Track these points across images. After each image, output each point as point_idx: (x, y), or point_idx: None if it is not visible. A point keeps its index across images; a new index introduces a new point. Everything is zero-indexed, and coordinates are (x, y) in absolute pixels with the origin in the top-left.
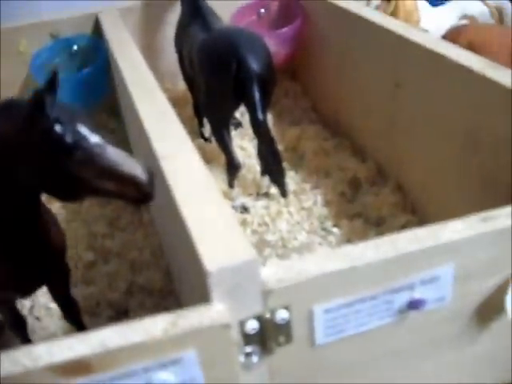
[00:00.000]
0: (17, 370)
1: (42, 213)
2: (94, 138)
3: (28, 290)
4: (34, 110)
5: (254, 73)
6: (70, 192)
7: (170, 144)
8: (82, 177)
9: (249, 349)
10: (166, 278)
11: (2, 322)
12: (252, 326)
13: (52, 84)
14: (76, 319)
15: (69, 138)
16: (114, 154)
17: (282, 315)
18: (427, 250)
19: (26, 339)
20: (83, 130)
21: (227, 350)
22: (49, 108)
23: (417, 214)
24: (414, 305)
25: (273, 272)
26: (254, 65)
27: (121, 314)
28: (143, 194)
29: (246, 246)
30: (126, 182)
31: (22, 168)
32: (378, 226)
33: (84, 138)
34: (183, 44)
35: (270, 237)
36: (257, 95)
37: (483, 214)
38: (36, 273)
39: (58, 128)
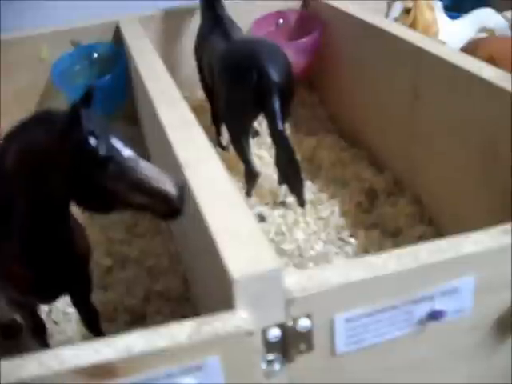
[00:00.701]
0: (43, 372)
1: (70, 221)
2: (127, 152)
3: (50, 297)
4: (70, 122)
5: (275, 83)
6: (100, 204)
7: (193, 152)
8: (113, 189)
9: (271, 356)
10: (183, 284)
11: (20, 325)
12: (274, 333)
13: (88, 97)
14: (95, 327)
15: (102, 151)
16: (146, 168)
17: (303, 323)
18: (448, 262)
19: (44, 344)
20: (116, 143)
21: (250, 357)
22: (84, 121)
23: (434, 225)
24: (434, 316)
25: (296, 281)
26: (275, 75)
27: (138, 320)
28: (173, 209)
29: (271, 254)
30: (156, 196)
31: (55, 178)
32: (394, 236)
33: (117, 151)
34: (203, 53)
35: (286, 246)
36: (277, 105)
37: (504, 227)
38: (59, 280)
39: (92, 141)
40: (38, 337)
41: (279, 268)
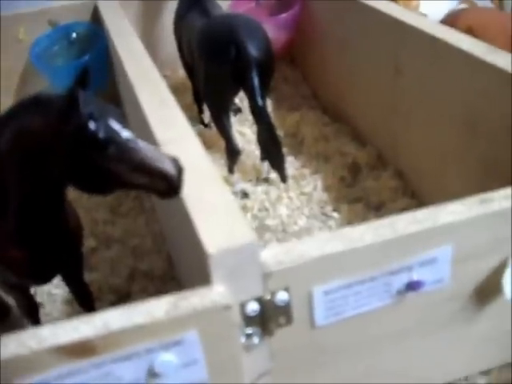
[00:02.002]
0: (22, 352)
1: (64, 201)
2: (126, 133)
3: (44, 278)
4: (67, 106)
5: (253, 58)
6: (100, 185)
7: (170, 130)
8: (113, 171)
9: (249, 330)
10: (168, 263)
11: (8, 306)
12: (252, 307)
13: (83, 80)
14: (89, 305)
15: (102, 134)
16: (145, 149)
17: (281, 297)
18: (425, 232)
19: (37, 323)
20: (115, 124)
21: (228, 331)
22: (82, 103)
23: (417, 198)
24: (412, 286)
25: (272, 254)
26: (253, 50)
27: (123, 299)
28: (172, 187)
29: (246, 228)
30: (156, 175)
31: (52, 161)
32: (377, 210)
33: (116, 132)
34: (182, 31)
35: (270, 222)
36: (256, 81)
37: (481, 196)
38: (53, 260)
39: (91, 124)
40: (32, 317)
41: (255, 242)
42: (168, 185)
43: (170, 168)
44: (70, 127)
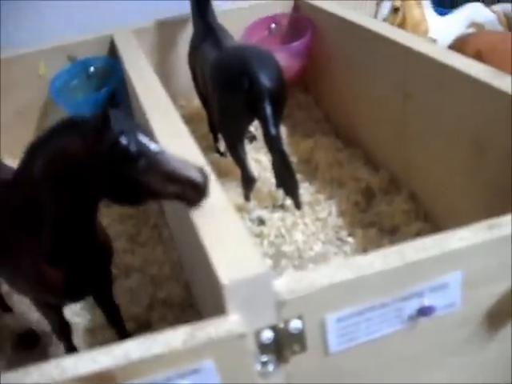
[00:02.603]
0: (45, 381)
1: (97, 219)
2: (154, 146)
3: (78, 296)
4: (100, 124)
5: (266, 88)
6: (132, 197)
7: None
8: (145, 182)
9: (265, 358)
10: (186, 291)
11: (38, 334)
12: (267, 335)
13: (113, 100)
14: (118, 322)
15: (133, 148)
16: (173, 159)
17: (295, 325)
18: (434, 259)
19: (70, 345)
20: (144, 139)
21: (244, 360)
22: (113, 121)
23: (430, 222)
24: (423, 312)
25: (285, 283)
26: (266, 81)
27: (143, 327)
28: (200, 194)
29: (259, 258)
30: (185, 183)
31: (88, 178)
32: (392, 234)
33: (145, 146)
34: (196, 62)
35: (286, 248)
36: (269, 110)
37: (489, 222)
38: (86, 278)
39: (123, 139)
40: (65, 338)
41: (268, 271)
42: (197, 191)
43: (197, 176)
44: (104, 144)
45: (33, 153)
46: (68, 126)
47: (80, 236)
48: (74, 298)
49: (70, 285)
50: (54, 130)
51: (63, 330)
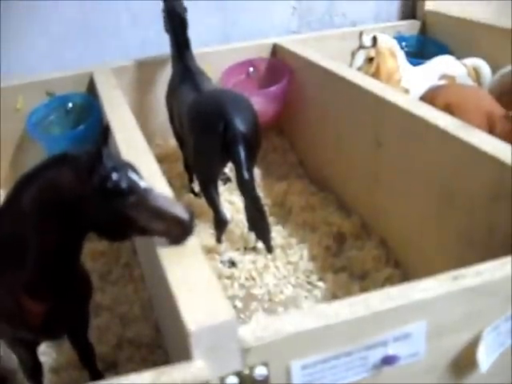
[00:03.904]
0: None
1: (80, 256)
2: (143, 183)
3: (55, 332)
4: (93, 160)
5: (240, 133)
6: (119, 232)
7: None
8: (133, 217)
9: None
10: (155, 331)
11: (3, 375)
12: (232, 381)
13: (105, 137)
14: (91, 364)
15: (124, 184)
16: (161, 197)
17: (260, 371)
18: (399, 308)
19: None
20: (134, 176)
21: None
22: (105, 158)
23: (400, 268)
24: (387, 361)
25: (251, 330)
26: (240, 126)
27: (110, 367)
28: (186, 231)
29: (226, 306)
30: (172, 221)
31: (77, 212)
32: (362, 279)
33: (135, 183)
34: (173, 103)
35: (257, 291)
36: (242, 155)
37: (453, 273)
38: (66, 314)
39: (114, 175)
40: (35, 379)
41: (233, 319)
42: (182, 229)
43: (183, 214)
44: (96, 178)
45: (23, 184)
46: (61, 160)
47: (63, 270)
48: (52, 334)
49: (50, 319)
50: (47, 163)
51: (34, 371)
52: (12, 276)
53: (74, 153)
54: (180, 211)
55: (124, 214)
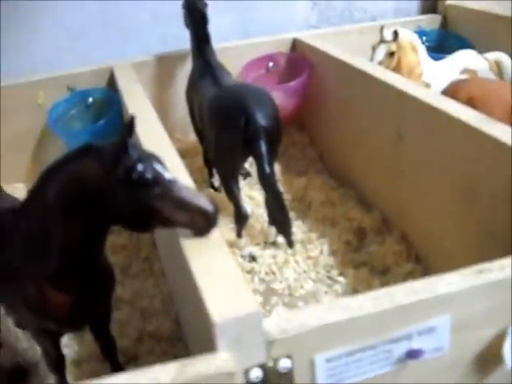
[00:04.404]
0: None
1: (105, 247)
2: (168, 174)
3: (79, 323)
4: (118, 151)
5: (262, 127)
6: (144, 223)
7: None
8: (158, 208)
9: None
10: (175, 325)
11: (26, 369)
12: (256, 374)
13: (130, 128)
14: (113, 355)
15: (149, 175)
16: (185, 188)
17: (284, 364)
18: (423, 302)
19: (63, 378)
20: (158, 167)
21: None
22: (130, 149)
23: (421, 263)
24: (412, 354)
25: (275, 323)
26: (262, 120)
27: (130, 360)
28: (210, 223)
29: (251, 297)
30: (196, 212)
31: (104, 202)
32: (382, 274)
33: (160, 174)
34: (194, 98)
35: (277, 285)
36: (264, 149)
37: (478, 267)
38: (90, 305)
39: (139, 166)
40: (58, 371)
41: (258, 311)
42: (206, 220)
43: (207, 205)
44: (121, 169)
45: (48, 177)
46: (86, 151)
47: (87, 262)
48: (76, 325)
49: (74, 310)
50: (71, 155)
51: (57, 363)
52: (37, 267)
53: (99, 144)
54: (204, 203)
55: (149, 205)
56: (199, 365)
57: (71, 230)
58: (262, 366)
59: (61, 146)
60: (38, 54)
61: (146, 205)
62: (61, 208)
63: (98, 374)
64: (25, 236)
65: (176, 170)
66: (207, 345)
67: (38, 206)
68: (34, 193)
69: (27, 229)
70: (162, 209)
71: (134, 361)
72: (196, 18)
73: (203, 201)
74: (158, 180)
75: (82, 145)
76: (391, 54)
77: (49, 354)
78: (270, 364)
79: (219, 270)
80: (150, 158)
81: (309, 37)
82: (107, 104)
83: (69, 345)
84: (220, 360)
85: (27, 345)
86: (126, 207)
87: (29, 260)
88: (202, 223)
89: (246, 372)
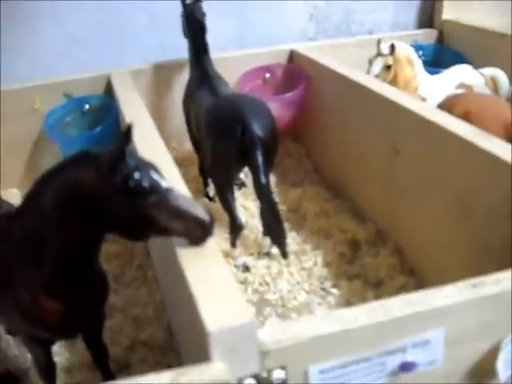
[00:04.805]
0: None
1: (99, 255)
2: (164, 183)
3: (71, 331)
4: (115, 159)
5: (258, 138)
6: (139, 231)
7: None
8: (154, 217)
9: None
10: (168, 333)
11: (16, 376)
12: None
13: (128, 136)
14: (105, 364)
15: (146, 183)
16: (181, 197)
17: (278, 375)
18: (418, 315)
19: None
20: (156, 176)
21: None
22: (128, 157)
23: (414, 276)
24: (405, 367)
25: (270, 333)
26: (258, 130)
27: (122, 368)
28: (206, 232)
29: (245, 308)
30: (192, 221)
31: (100, 209)
32: (376, 287)
33: (157, 182)
34: (191, 107)
35: (270, 296)
36: (260, 159)
37: (473, 280)
38: (83, 313)
39: (136, 174)
40: (48, 379)
41: (253, 322)
42: (202, 229)
43: (204, 214)
44: (118, 177)
45: (44, 183)
46: (83, 159)
47: (82, 269)
48: (68, 333)
49: (67, 318)
50: (68, 162)
51: (48, 370)
52: (30, 274)
53: (96, 151)
54: (201, 212)
55: (145, 214)
56: (193, 374)
57: (66, 237)
58: (256, 377)
59: (56, 152)
60: (34, 59)
61: (142, 213)
62: (56, 215)
63: (89, 382)
64: (19, 243)
65: (172, 179)
66: (201, 354)
67: (33, 213)
68: (30, 199)
69: (21, 235)
70: (158, 217)
71: (125, 369)
72: (194, 28)
73: (199, 210)
74: (155, 188)
75: (79, 152)
76: (388, 68)
77: (39, 362)
78: (264, 375)
79: (214, 279)
80: (146, 166)
81: (306, 49)
82: (104, 111)
83: (60, 352)
84: (214, 369)
85: (18, 351)
86: (122, 215)
87: (22, 267)
88: (198, 232)
89: (240, 382)
